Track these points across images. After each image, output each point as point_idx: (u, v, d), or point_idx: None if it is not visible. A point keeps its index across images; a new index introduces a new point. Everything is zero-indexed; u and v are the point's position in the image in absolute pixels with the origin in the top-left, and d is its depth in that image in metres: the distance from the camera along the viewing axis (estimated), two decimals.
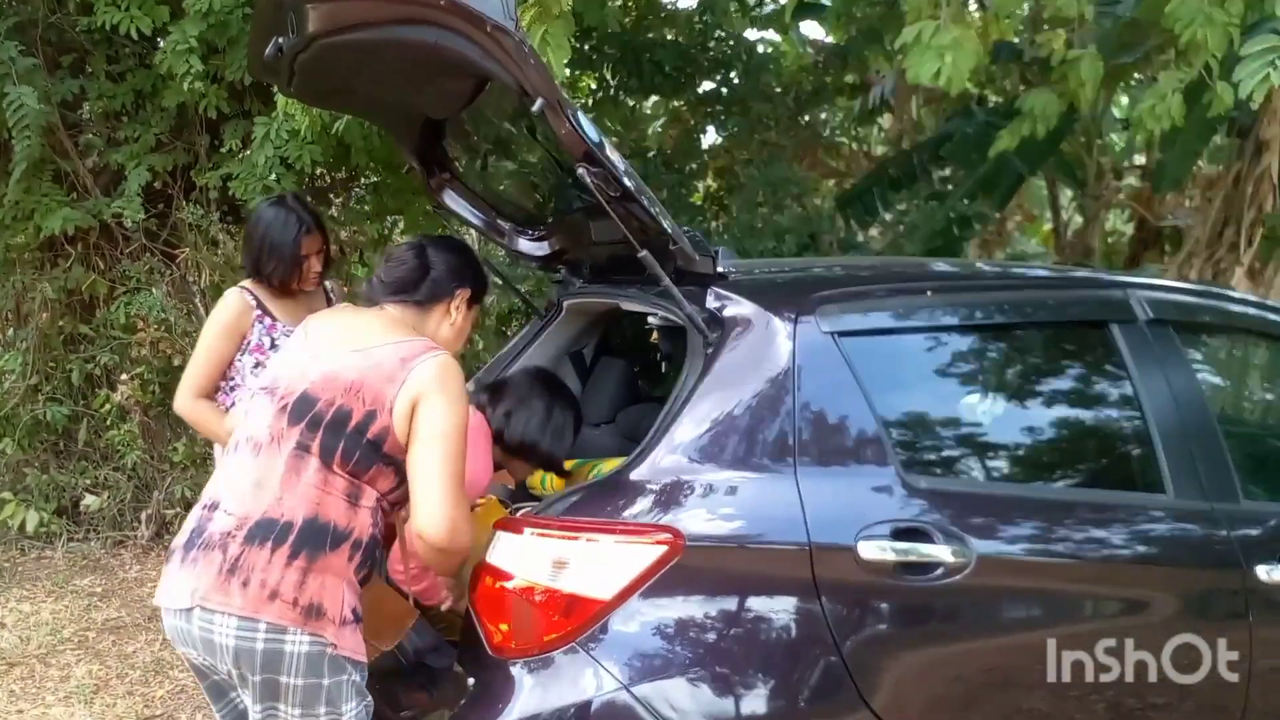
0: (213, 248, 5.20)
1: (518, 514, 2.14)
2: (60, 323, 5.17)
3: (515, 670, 1.90)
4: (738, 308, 2.13)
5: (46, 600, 4.43)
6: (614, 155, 1.99)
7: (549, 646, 1.89)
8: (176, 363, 4.74)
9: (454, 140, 2.83)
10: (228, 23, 4.33)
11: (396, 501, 1.97)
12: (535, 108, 1.88)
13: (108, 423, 4.99)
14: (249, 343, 2.86)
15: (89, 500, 5.03)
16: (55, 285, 4.94)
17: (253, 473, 1.90)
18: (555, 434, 2.58)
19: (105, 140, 5.01)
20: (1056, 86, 4.50)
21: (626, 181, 1.98)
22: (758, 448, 2.00)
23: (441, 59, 2.04)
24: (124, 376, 4.96)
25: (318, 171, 5.24)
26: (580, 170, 1.96)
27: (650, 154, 5.60)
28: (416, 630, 2.23)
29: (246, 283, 2.91)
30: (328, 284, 3.09)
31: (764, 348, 2.08)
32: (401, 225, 5.96)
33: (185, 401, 2.86)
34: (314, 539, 1.83)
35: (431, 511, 1.83)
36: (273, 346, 2.84)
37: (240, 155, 4.67)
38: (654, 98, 6.39)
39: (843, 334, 2.11)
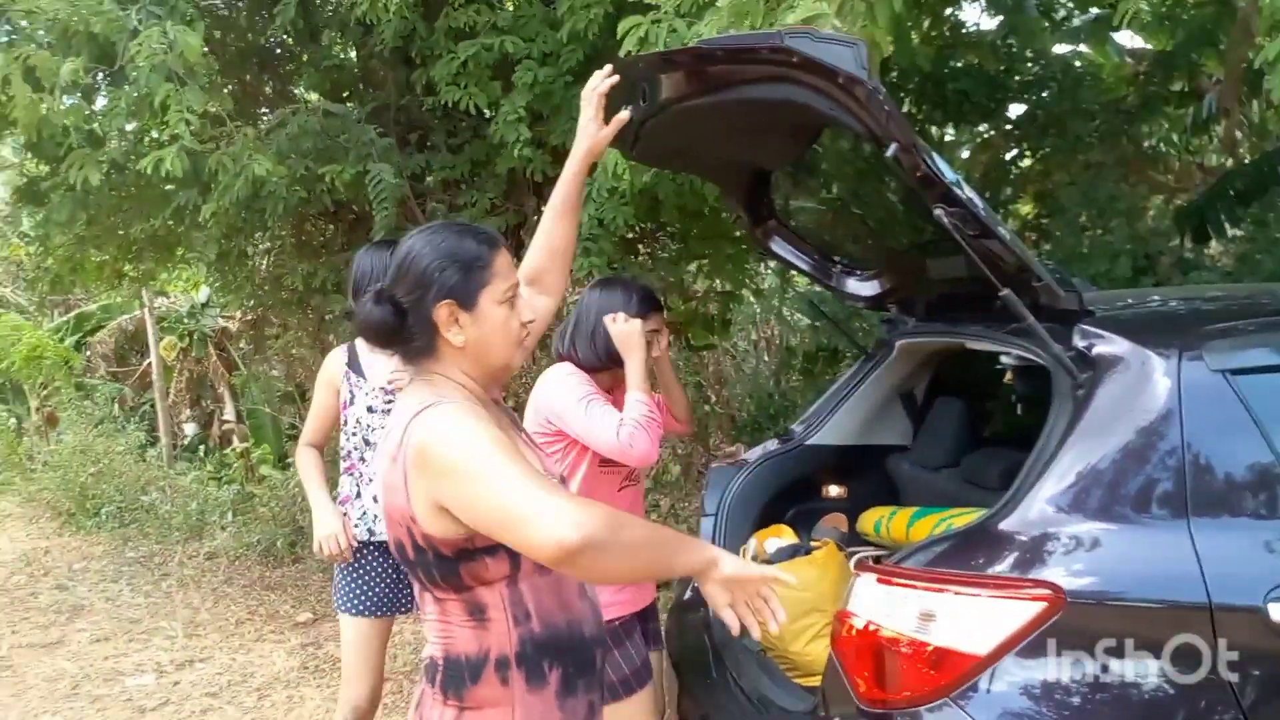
0: None
1: (871, 560, 2.10)
2: None
3: None
4: (1110, 346, 1.99)
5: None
6: (970, 193, 1.94)
7: (918, 700, 1.84)
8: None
9: (779, 185, 2.88)
10: (550, 92, 4.68)
11: (526, 570, 1.58)
12: (890, 152, 1.87)
13: None
14: (343, 399, 3.01)
15: None
16: None
17: None
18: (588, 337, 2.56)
19: (447, 206, 5.55)
20: None
21: (985, 218, 1.92)
22: (1142, 498, 1.86)
23: (786, 113, 2.08)
24: None
25: (628, 228, 5.52)
26: (937, 211, 1.92)
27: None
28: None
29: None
30: None
31: (1143, 389, 1.93)
32: (706, 267, 6.12)
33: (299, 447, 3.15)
34: (454, 676, 1.59)
35: (531, 537, 1.39)
36: (352, 402, 2.99)
37: None
38: (952, 126, 6.20)
39: (1236, 372, 1.92)
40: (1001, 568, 1.85)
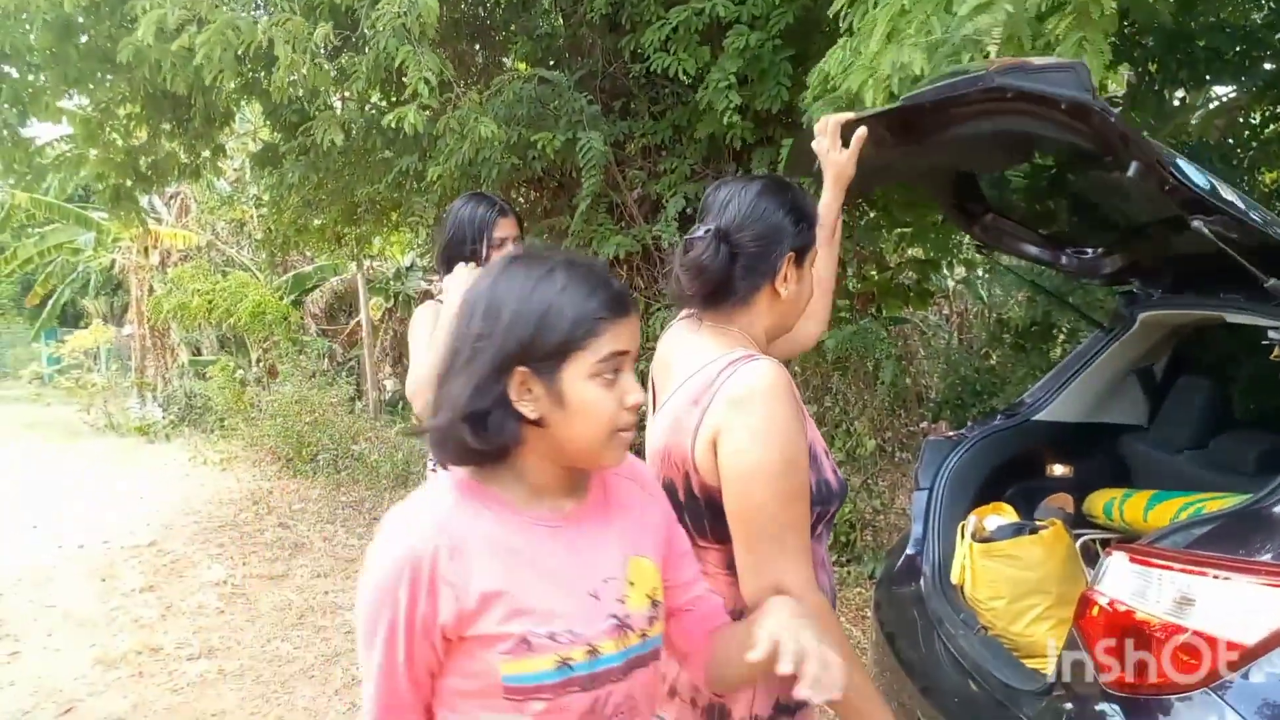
0: None
1: (1100, 543, 2.01)
2: None
3: (1127, 706, 1.79)
4: None
5: None
6: (1230, 195, 1.81)
7: (1170, 688, 1.75)
8: None
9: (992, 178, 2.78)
10: (760, 56, 4.64)
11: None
12: (1131, 172, 1.77)
13: None
14: None
15: None
16: None
17: None
18: None
19: (647, 173, 5.63)
20: None
21: (1254, 218, 1.79)
22: None
23: (1005, 135, 2.00)
24: None
25: None
26: (1195, 223, 1.80)
27: (1190, 146, 5.02)
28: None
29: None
30: None
31: None
32: (910, 234, 5.95)
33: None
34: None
35: (746, 579, 1.42)
36: None
37: None
38: (1184, 89, 5.74)
39: None
40: (1274, 554, 1.72)
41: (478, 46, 6.43)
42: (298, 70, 3.94)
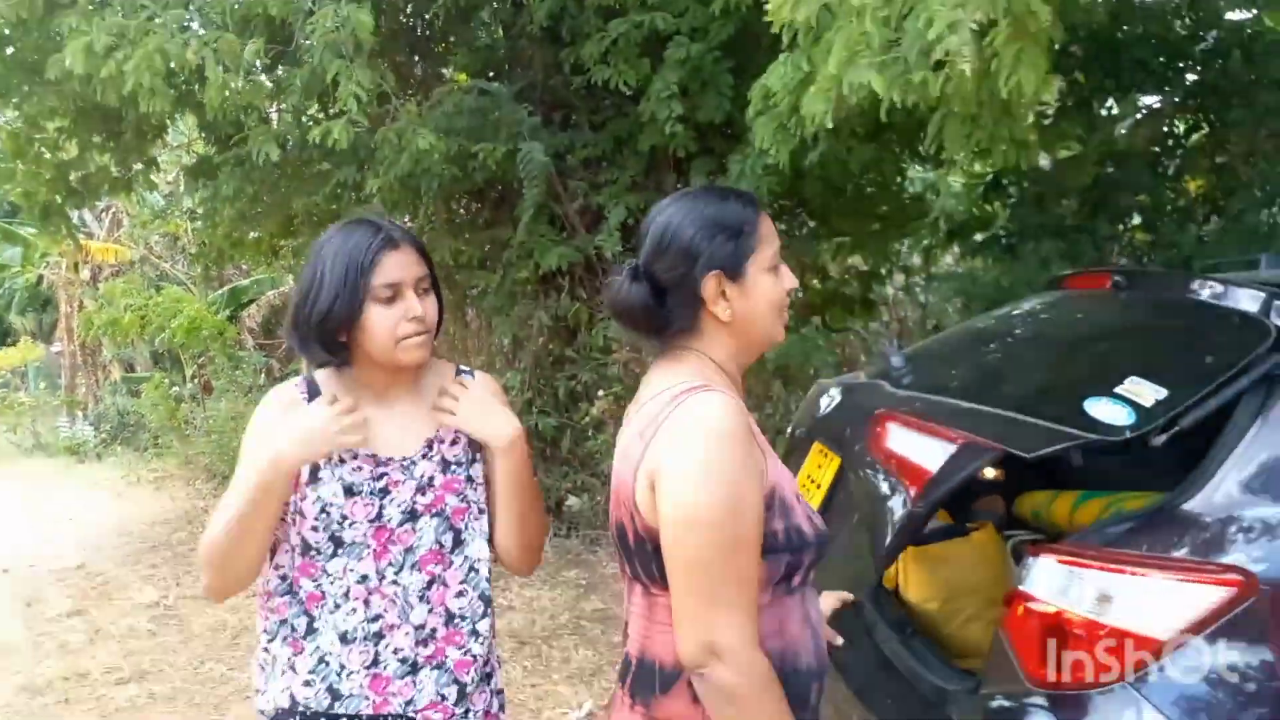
0: None
1: (1032, 543, 2.05)
2: (550, 346, 5.89)
3: (1052, 702, 1.83)
4: None
5: (543, 588, 5.03)
6: None
7: (1090, 683, 1.79)
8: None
9: None
10: (700, 67, 4.69)
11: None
12: None
13: (587, 433, 5.58)
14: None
15: (571, 501, 5.67)
16: (549, 313, 5.64)
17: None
18: None
19: (588, 185, 5.64)
20: None
21: None
22: None
23: None
24: (600, 393, 5.54)
25: (771, 201, 5.49)
26: None
27: (1119, 156, 5.17)
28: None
29: None
30: None
31: None
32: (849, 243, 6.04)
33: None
34: (643, 681, 1.45)
35: (681, 633, 1.33)
36: (314, 479, 1.74)
37: None
38: (1121, 98, 5.90)
39: None
40: (1186, 550, 1.78)
41: (416, 58, 6.40)
42: (230, 88, 3.88)
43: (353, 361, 1.69)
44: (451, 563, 1.72)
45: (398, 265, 1.62)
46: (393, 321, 1.62)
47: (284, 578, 1.72)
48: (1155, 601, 1.76)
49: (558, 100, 5.69)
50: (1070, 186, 4.95)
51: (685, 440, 1.33)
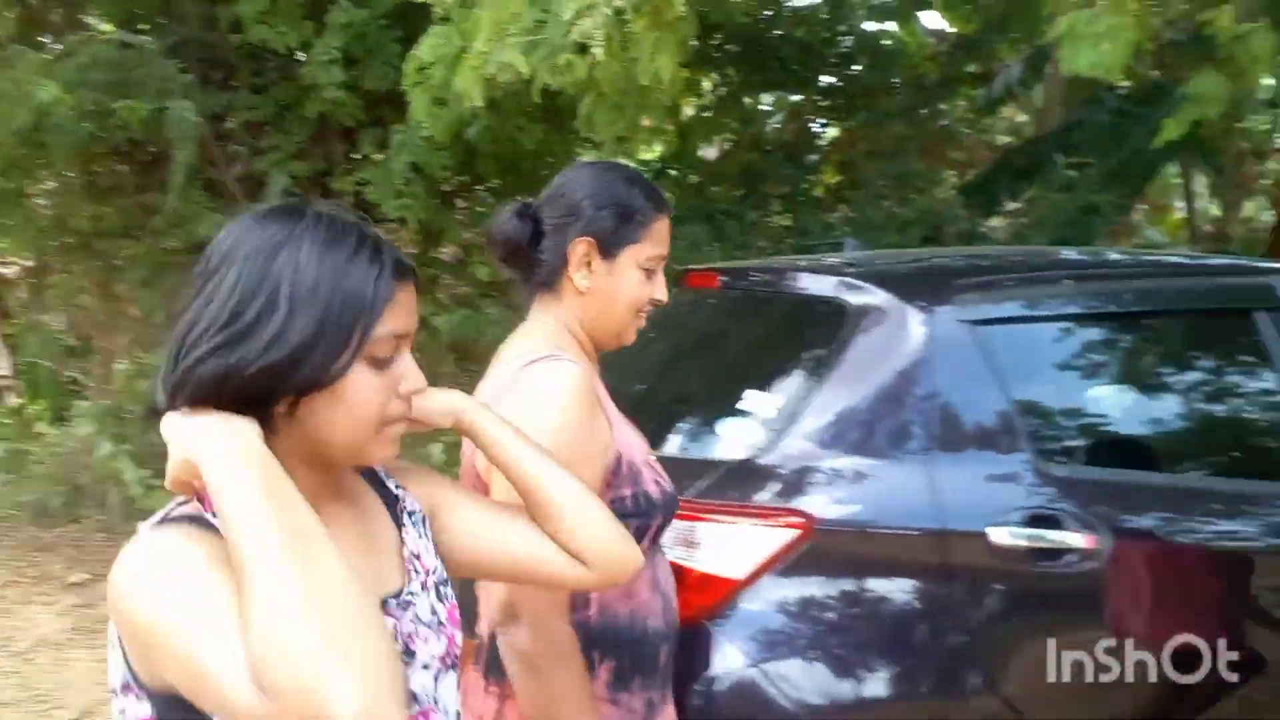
0: None
1: None
2: None
3: None
4: (868, 296, 2.15)
5: None
6: None
7: (684, 623, 1.95)
8: None
9: None
10: (365, 34, 4.56)
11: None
12: None
13: None
14: None
15: None
16: None
17: None
18: None
19: (250, 150, 5.33)
20: (1224, 67, 3.84)
21: None
22: (891, 435, 2.02)
23: None
24: None
25: (444, 177, 5.45)
26: None
27: (768, 149, 5.63)
28: None
29: None
30: None
31: (897, 336, 2.09)
32: None
33: None
34: (499, 659, 1.42)
35: (490, 590, 1.41)
36: None
37: (375, 162, 4.91)
38: (769, 94, 6.41)
39: (977, 322, 2.11)
40: (759, 498, 1.98)
41: (51, 2, 5.74)
42: None
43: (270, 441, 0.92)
44: None
45: (408, 308, 0.98)
46: (384, 395, 0.96)
47: None
48: (733, 546, 1.95)
49: (216, 59, 5.32)
50: (723, 175, 5.33)
51: (526, 408, 1.31)
